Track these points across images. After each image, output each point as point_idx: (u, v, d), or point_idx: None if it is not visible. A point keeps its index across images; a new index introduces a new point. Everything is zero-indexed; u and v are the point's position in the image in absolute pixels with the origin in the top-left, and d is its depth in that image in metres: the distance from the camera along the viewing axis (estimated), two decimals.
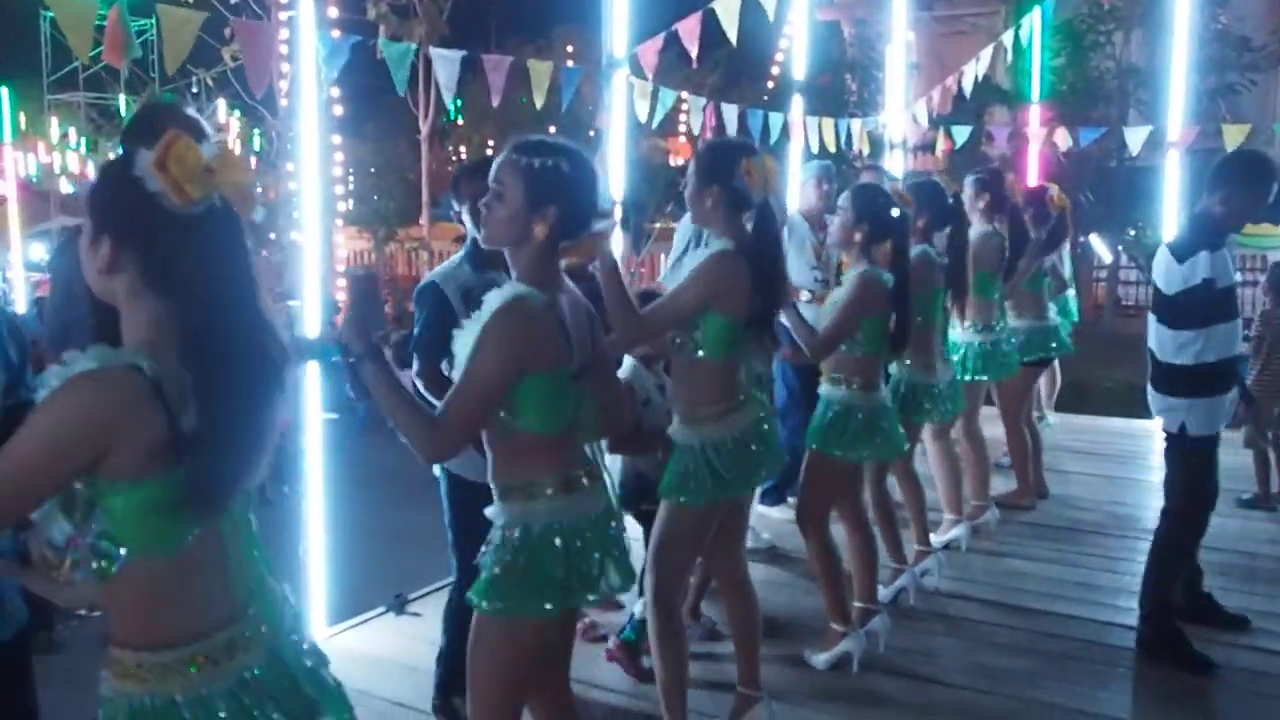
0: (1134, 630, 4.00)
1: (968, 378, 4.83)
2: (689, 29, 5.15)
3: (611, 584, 2.26)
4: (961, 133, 8.05)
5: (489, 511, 2.24)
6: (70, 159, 24.07)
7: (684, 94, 6.12)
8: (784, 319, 3.32)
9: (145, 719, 1.53)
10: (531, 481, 2.18)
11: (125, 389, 1.45)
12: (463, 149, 21.12)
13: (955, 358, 4.75)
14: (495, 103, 4.84)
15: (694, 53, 5.19)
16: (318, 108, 4.08)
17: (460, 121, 20.97)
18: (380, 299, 2.18)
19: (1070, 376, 7.38)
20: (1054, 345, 5.59)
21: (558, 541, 2.15)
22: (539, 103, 5.06)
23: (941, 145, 8.13)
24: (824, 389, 3.70)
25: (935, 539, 4.73)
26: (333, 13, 14.41)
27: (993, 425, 5.72)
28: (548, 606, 2.14)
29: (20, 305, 15.77)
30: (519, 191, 2.17)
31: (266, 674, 1.60)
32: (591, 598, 2.22)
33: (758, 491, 5.14)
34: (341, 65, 4.05)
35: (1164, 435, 3.86)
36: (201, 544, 1.55)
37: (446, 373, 2.21)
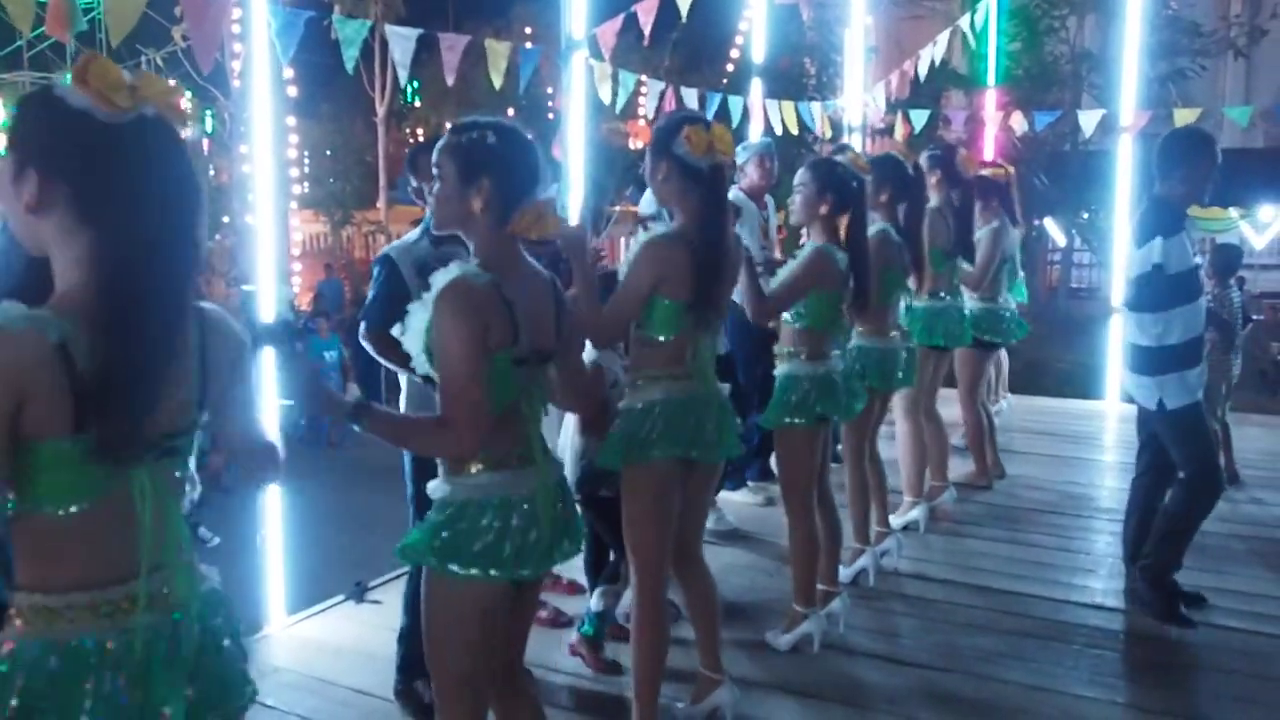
0: (1090, 608, 4.07)
1: (924, 343, 4.85)
2: (646, 9, 5.12)
3: (553, 558, 2.26)
4: (919, 117, 8.10)
5: (430, 486, 2.23)
6: None
7: (643, 77, 6.10)
8: (740, 283, 3.30)
9: (19, 663, 1.50)
10: (464, 462, 2.17)
11: (21, 350, 1.41)
12: (420, 130, 20.88)
13: (909, 326, 4.77)
14: (451, 82, 4.78)
15: (648, 32, 5.16)
16: (271, 86, 4.00)
17: (418, 103, 20.74)
18: (295, 348, 2.16)
19: (1024, 358, 7.50)
20: (1006, 329, 5.63)
21: (484, 517, 2.14)
22: (497, 83, 5.01)
23: (900, 129, 8.17)
24: (778, 368, 3.71)
25: (894, 520, 4.77)
26: None
27: (948, 407, 5.78)
28: (473, 572, 2.13)
29: None
30: (453, 169, 2.18)
31: (158, 638, 1.56)
32: (526, 572, 2.19)
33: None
34: (296, 42, 3.98)
35: (1148, 413, 3.97)
36: (106, 505, 1.52)
37: (397, 336, 2.22)
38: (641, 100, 6.48)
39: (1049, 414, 7.65)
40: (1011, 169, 6.55)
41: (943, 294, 5.01)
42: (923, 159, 4.78)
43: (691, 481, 3.01)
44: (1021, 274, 6.81)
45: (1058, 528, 5.12)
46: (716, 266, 2.89)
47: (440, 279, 2.12)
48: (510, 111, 17.09)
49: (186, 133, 1.55)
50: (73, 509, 1.50)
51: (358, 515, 6.74)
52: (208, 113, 18.30)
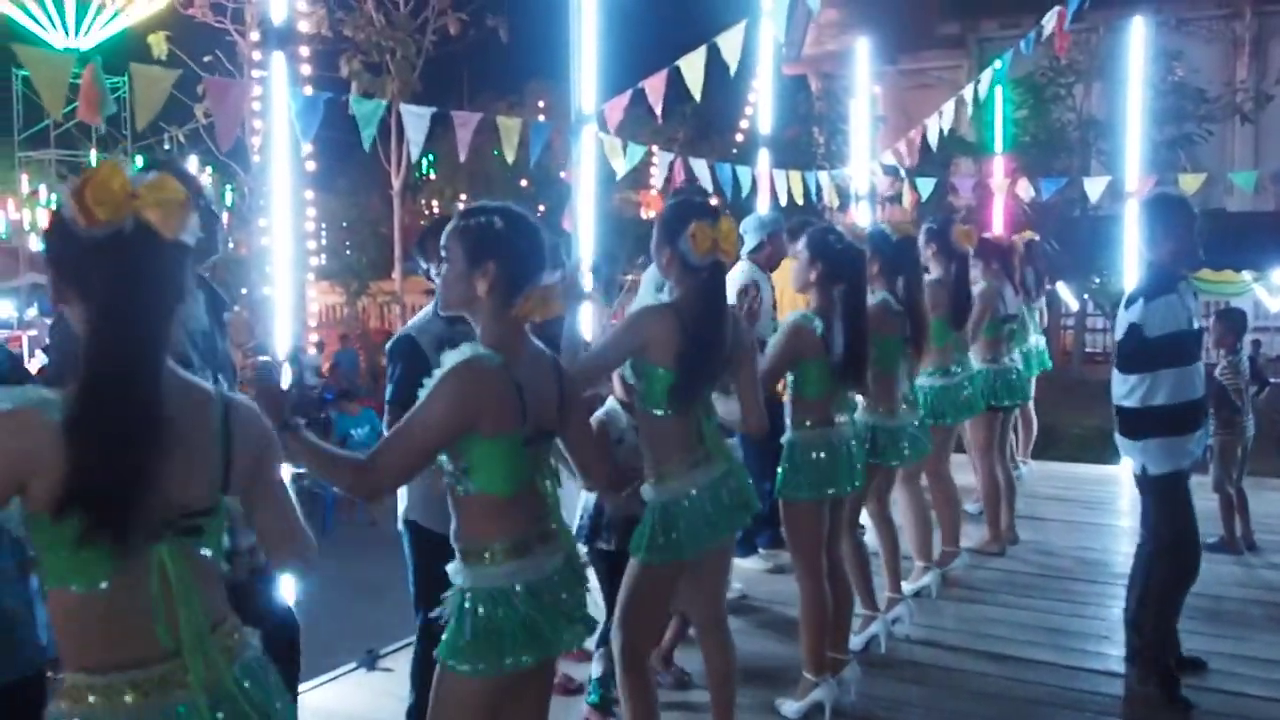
0: (1103, 675, 4.03)
1: (931, 421, 4.87)
2: (655, 86, 5.25)
3: (570, 637, 2.29)
4: (926, 184, 8.21)
5: (450, 569, 2.26)
6: (40, 215, 23.95)
7: (653, 148, 6.23)
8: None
9: None
10: (485, 546, 2.21)
11: (30, 429, 1.52)
12: (435, 203, 21.23)
13: (918, 401, 4.79)
14: (463, 158, 4.90)
15: (659, 110, 5.29)
16: (290, 164, 4.11)
17: (432, 176, 21.10)
18: (276, 379, 2.22)
19: (1039, 422, 7.47)
20: (1011, 390, 5.65)
21: (510, 603, 2.17)
22: (509, 158, 5.14)
23: (908, 197, 8.28)
24: (786, 436, 3.74)
25: (906, 586, 4.75)
26: (305, 70, 14.47)
27: (964, 472, 5.78)
28: (507, 662, 2.16)
29: None
30: (460, 253, 2.24)
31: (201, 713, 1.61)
32: (551, 654, 2.23)
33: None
34: (316, 122, 4.09)
35: (1134, 477, 3.92)
36: (122, 584, 1.58)
37: None
38: (653, 170, 6.61)
39: (1063, 479, 7.62)
40: (1035, 235, 6.63)
41: (951, 368, 5.04)
42: (920, 232, 4.85)
43: (713, 553, 3.04)
44: (1040, 340, 6.87)
45: (1072, 594, 5.08)
46: (707, 346, 2.90)
47: (453, 356, 2.17)
48: (524, 183, 17.40)
49: (184, 235, 1.62)
50: (102, 585, 1.56)
51: (368, 584, 6.74)
52: (228, 187, 18.68)
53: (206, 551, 1.70)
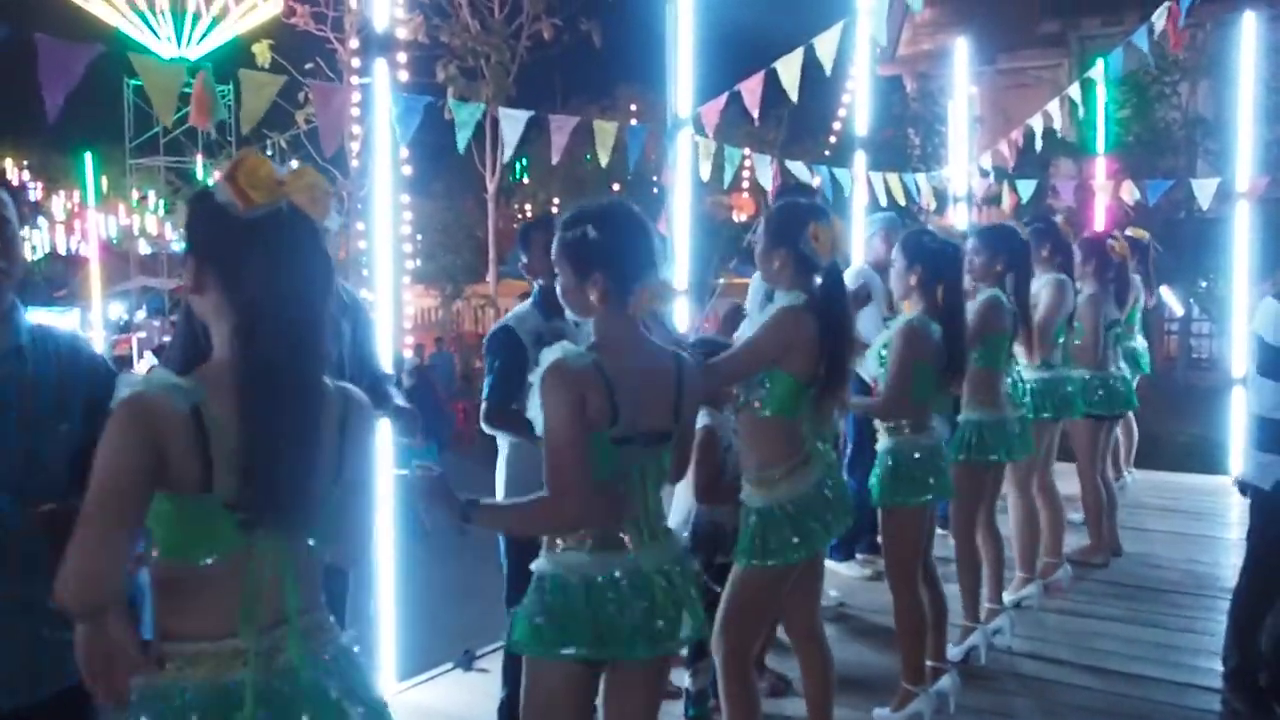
0: (1210, 691, 3.89)
1: (1032, 416, 4.75)
2: (751, 88, 5.22)
3: (675, 637, 2.26)
4: (1026, 187, 8.01)
5: (534, 564, 2.27)
6: (149, 221, 24.85)
7: (748, 151, 6.20)
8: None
9: (148, 699, 1.62)
10: (570, 526, 2.21)
11: (158, 413, 1.56)
12: (529, 206, 21.46)
13: (1021, 399, 4.69)
14: (555, 161, 4.93)
15: (755, 113, 5.26)
16: (390, 168, 4.19)
17: (526, 180, 21.34)
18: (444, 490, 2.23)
19: (1143, 430, 7.23)
20: (1117, 399, 5.48)
21: (586, 592, 2.16)
22: (604, 161, 5.15)
23: (1006, 199, 8.09)
24: (880, 442, 3.69)
25: (1007, 596, 4.64)
26: (403, 76, 14.78)
27: (1063, 480, 5.62)
28: (569, 650, 2.15)
29: None
30: (567, 267, 2.26)
31: (275, 693, 1.62)
32: (613, 653, 2.19)
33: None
34: (414, 125, 4.17)
35: (1252, 491, 3.75)
36: (234, 561, 1.62)
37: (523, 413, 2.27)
38: (746, 174, 6.57)
39: (1168, 489, 7.36)
40: (1145, 234, 6.43)
41: (1052, 363, 4.93)
42: (1028, 232, 4.75)
43: (807, 560, 3.01)
44: (1143, 343, 6.65)
45: (1179, 607, 4.90)
46: (840, 350, 2.90)
47: (546, 358, 2.19)
48: (615, 187, 17.48)
49: (328, 221, 1.67)
50: (207, 560, 1.61)
51: (468, 585, 6.82)
52: None
53: (312, 540, 1.72)
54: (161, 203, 23.43)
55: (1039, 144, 7.76)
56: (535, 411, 2.20)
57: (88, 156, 18.23)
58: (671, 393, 2.30)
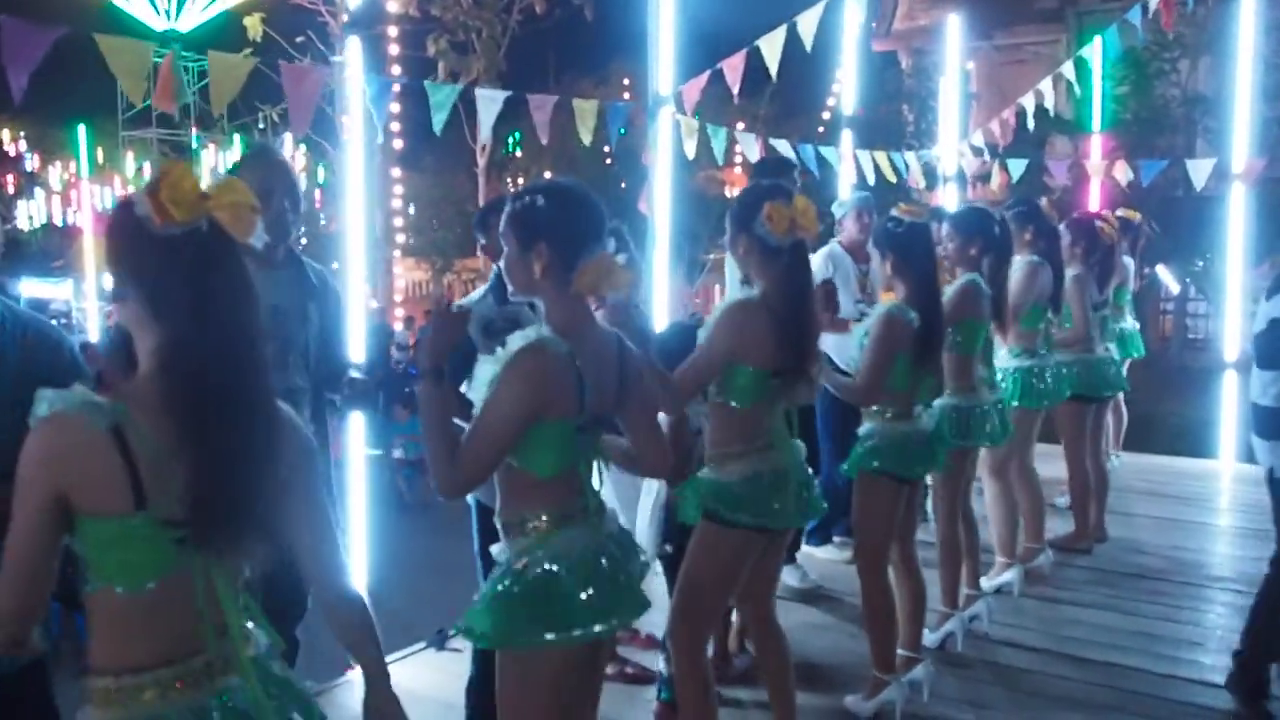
0: (1196, 684, 3.86)
1: (1013, 403, 4.71)
2: (733, 66, 5.15)
3: (623, 611, 2.24)
4: (1017, 166, 7.92)
5: (493, 548, 2.25)
6: None
7: (736, 129, 6.13)
8: (822, 379, 3.29)
9: None
10: (524, 516, 2.19)
11: (64, 436, 1.52)
12: (520, 180, 21.36)
13: (1001, 384, 4.65)
14: (544, 140, 4.89)
15: (736, 90, 5.19)
16: (365, 145, 4.14)
17: (519, 154, 21.21)
18: (458, 340, 2.23)
19: (1135, 412, 7.18)
20: (1104, 381, 5.43)
21: (550, 569, 2.13)
22: (586, 140, 5.11)
23: (997, 178, 8.00)
24: (863, 426, 3.66)
25: (986, 582, 4.61)
26: (394, 50, 14.54)
27: (1053, 463, 5.59)
28: (549, 637, 2.12)
29: (93, 334, 16.25)
30: (513, 238, 2.23)
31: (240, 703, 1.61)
32: (598, 629, 2.16)
33: (804, 532, 5.11)
34: (387, 106, 4.12)
35: (1266, 481, 3.73)
36: (166, 584, 1.58)
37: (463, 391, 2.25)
38: (738, 149, 6.49)
39: (1158, 473, 7.32)
40: (1136, 214, 6.36)
41: (1034, 349, 4.87)
42: (1010, 215, 4.68)
43: (771, 543, 2.98)
44: (1134, 325, 6.59)
45: (1164, 596, 4.87)
46: (801, 337, 2.88)
47: (519, 339, 2.14)
48: (609, 161, 17.37)
49: (253, 239, 1.63)
50: (149, 585, 1.57)
51: (442, 563, 6.80)
52: (320, 165, 19.00)
53: (249, 564, 1.69)
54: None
55: (1030, 122, 7.66)
56: (479, 394, 2.16)
57: (81, 129, 18.12)
58: (615, 373, 2.28)
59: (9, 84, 3.35)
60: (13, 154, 28.02)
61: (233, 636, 1.64)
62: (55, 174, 26.52)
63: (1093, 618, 4.59)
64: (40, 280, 22.49)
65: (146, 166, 23.75)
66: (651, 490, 3.54)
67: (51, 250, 24.98)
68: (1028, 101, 7.65)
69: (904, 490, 3.59)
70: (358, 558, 4.06)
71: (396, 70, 13.43)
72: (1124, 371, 6.03)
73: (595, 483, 2.30)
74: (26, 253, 24.25)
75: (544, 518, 2.18)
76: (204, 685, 1.60)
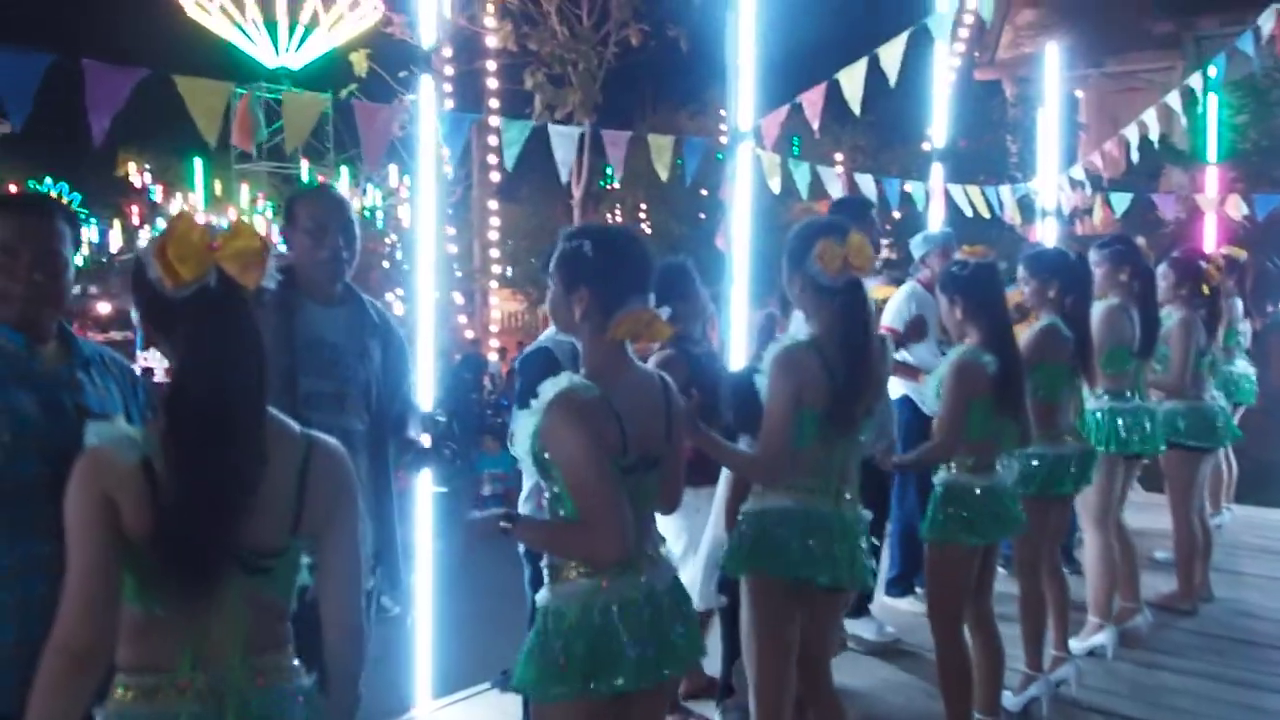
0: None
1: (1101, 449, 4.44)
2: (813, 100, 5.03)
3: (671, 664, 2.20)
4: (1121, 200, 7.57)
5: (537, 595, 2.22)
6: (257, 222, 25.73)
7: (834, 160, 5.99)
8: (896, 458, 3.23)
9: None
10: (565, 563, 2.16)
11: (108, 465, 1.62)
12: (618, 211, 21.48)
13: (1090, 429, 4.40)
14: (619, 176, 4.89)
15: (816, 125, 5.07)
16: (435, 182, 4.15)
17: (615, 186, 21.34)
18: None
19: (1250, 461, 6.76)
20: (1211, 430, 5.11)
21: (592, 622, 2.09)
22: (663, 175, 5.07)
23: (1099, 212, 7.66)
24: (938, 473, 3.49)
25: (1076, 644, 4.34)
26: (492, 84, 14.75)
27: (1155, 515, 5.27)
28: (592, 685, 2.08)
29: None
30: (558, 278, 2.25)
31: None
32: (637, 682, 2.11)
33: (881, 581, 4.91)
34: (462, 143, 4.15)
35: None
36: (177, 612, 1.64)
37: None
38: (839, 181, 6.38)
39: (1271, 528, 6.86)
40: (1243, 252, 6.04)
41: (1127, 393, 4.59)
42: (1102, 255, 4.44)
43: (817, 604, 2.84)
44: (1249, 369, 6.22)
45: (1273, 664, 4.52)
46: (854, 382, 2.77)
47: (549, 389, 2.13)
48: (704, 192, 17.32)
49: (265, 281, 1.69)
50: (157, 611, 1.65)
51: (510, 605, 6.77)
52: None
53: (273, 594, 1.74)
54: (269, 205, 24.23)
55: (1135, 154, 7.32)
56: (522, 447, 2.15)
57: (197, 162, 18.94)
58: (663, 415, 2.27)
59: (146, 113, 3.46)
60: (139, 185, 29.42)
61: (229, 665, 1.67)
62: (176, 205, 27.80)
63: (1195, 686, 4.27)
64: None
65: (260, 197, 24.71)
66: (711, 534, 3.43)
67: None
68: (1132, 133, 7.32)
69: (979, 551, 3.41)
70: (424, 595, 4.03)
71: (494, 104, 13.66)
72: (1235, 419, 5.68)
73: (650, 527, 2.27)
74: None
75: (582, 569, 2.13)
76: (174, 703, 1.64)
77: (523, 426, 2.17)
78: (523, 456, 2.17)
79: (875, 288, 3.79)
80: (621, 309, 2.17)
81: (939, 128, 6.21)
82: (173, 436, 1.63)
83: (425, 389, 3.96)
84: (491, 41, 12.50)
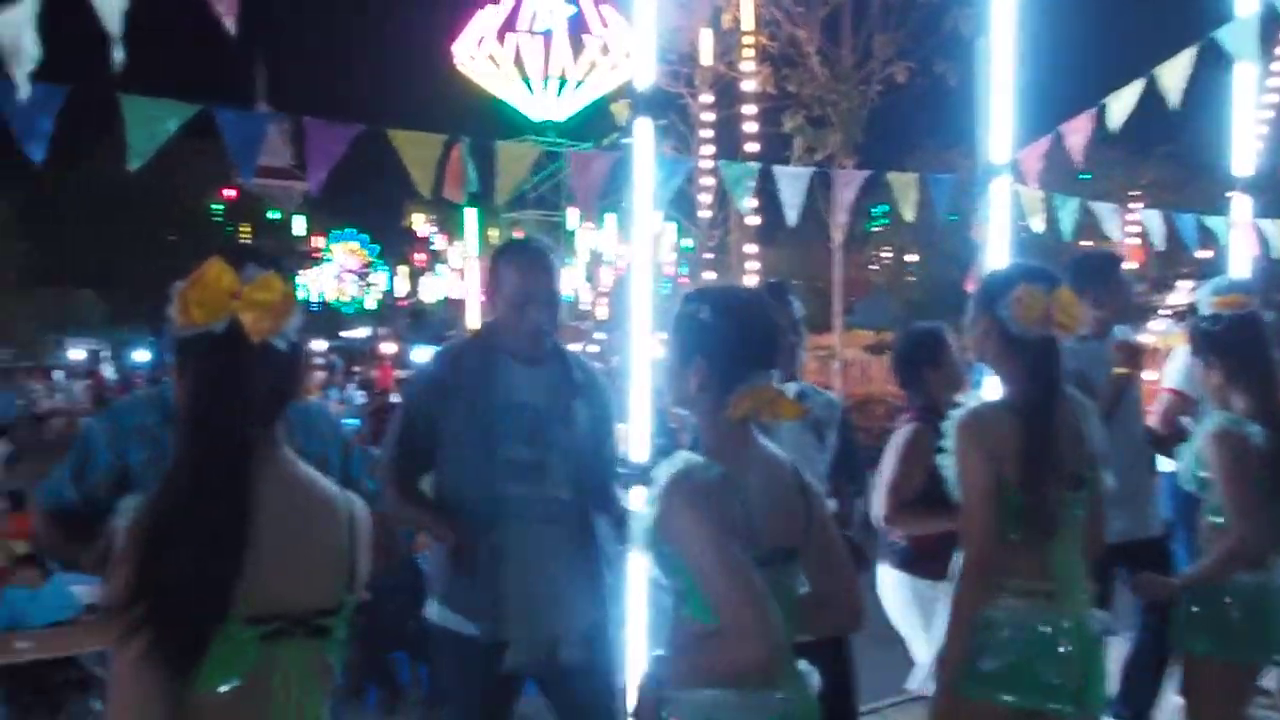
0: None
1: None
2: (1076, 128, 4.45)
3: None
4: None
5: (665, 715, 1.96)
6: None
7: (1127, 198, 5.33)
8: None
9: None
10: (693, 670, 1.90)
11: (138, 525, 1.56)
12: (883, 253, 20.84)
13: None
14: (842, 220, 4.57)
15: (1078, 157, 4.48)
16: (651, 229, 3.98)
17: (879, 228, 20.73)
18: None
19: None
20: None
21: None
22: (907, 215, 4.70)
23: None
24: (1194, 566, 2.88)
25: None
26: (750, 128, 14.61)
27: None
28: None
29: None
30: (674, 345, 2.08)
31: None
32: None
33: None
34: (674, 189, 3.99)
35: None
36: (251, 686, 1.57)
37: None
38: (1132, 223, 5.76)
39: None
40: None
41: None
42: None
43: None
44: None
45: None
46: (1045, 448, 2.33)
47: (665, 469, 1.91)
48: (972, 232, 16.38)
49: (277, 332, 1.62)
50: (220, 689, 1.54)
51: None
52: (687, 237, 19.51)
53: (329, 654, 1.68)
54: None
55: None
56: (645, 538, 1.90)
57: (470, 211, 20.08)
58: (800, 504, 2.00)
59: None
60: (423, 234, 31.78)
61: None
62: (456, 252, 29.78)
63: None
64: (431, 347, 25.23)
65: None
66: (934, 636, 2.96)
67: (447, 319, 27.92)
68: None
69: (1252, 671, 2.77)
70: (636, 665, 3.76)
71: (754, 148, 13.50)
72: None
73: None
74: (428, 322, 27.21)
75: (713, 680, 1.87)
76: None
77: (638, 519, 1.95)
78: (643, 552, 1.96)
79: (1174, 335, 3.19)
80: (741, 383, 1.95)
81: (1243, 153, 5.36)
82: (167, 483, 1.58)
83: (638, 446, 3.72)
84: (750, 85, 12.34)
